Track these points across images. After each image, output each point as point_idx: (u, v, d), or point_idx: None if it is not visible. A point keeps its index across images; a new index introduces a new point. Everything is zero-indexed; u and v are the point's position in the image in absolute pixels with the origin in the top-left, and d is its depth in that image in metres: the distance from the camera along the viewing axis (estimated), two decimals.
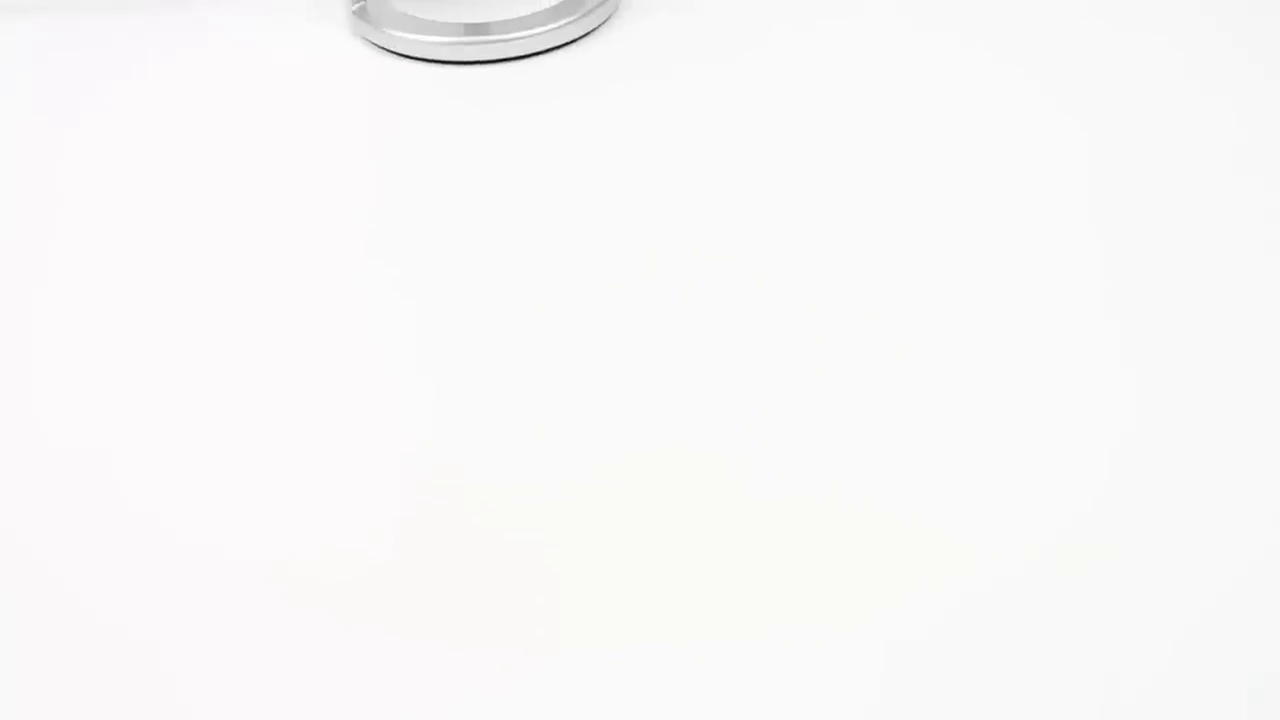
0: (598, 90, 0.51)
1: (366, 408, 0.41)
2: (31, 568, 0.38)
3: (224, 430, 0.41)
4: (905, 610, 0.36)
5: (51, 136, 0.50)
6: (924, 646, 0.36)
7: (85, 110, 0.51)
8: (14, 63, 0.53)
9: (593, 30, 0.53)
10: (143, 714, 0.35)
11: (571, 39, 0.53)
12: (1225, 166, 0.47)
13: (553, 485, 0.39)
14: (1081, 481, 0.39)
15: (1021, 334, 0.42)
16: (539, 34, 0.52)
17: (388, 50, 0.53)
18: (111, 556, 0.38)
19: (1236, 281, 0.43)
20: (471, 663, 0.36)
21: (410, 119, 0.50)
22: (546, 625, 0.36)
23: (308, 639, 0.36)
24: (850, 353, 0.42)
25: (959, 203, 0.46)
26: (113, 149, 0.49)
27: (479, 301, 0.44)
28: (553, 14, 0.53)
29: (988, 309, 0.43)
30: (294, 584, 0.37)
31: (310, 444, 0.40)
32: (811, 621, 0.36)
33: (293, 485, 0.40)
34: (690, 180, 0.47)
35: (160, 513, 0.39)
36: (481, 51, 0.52)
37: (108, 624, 0.37)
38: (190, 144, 0.49)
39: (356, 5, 0.53)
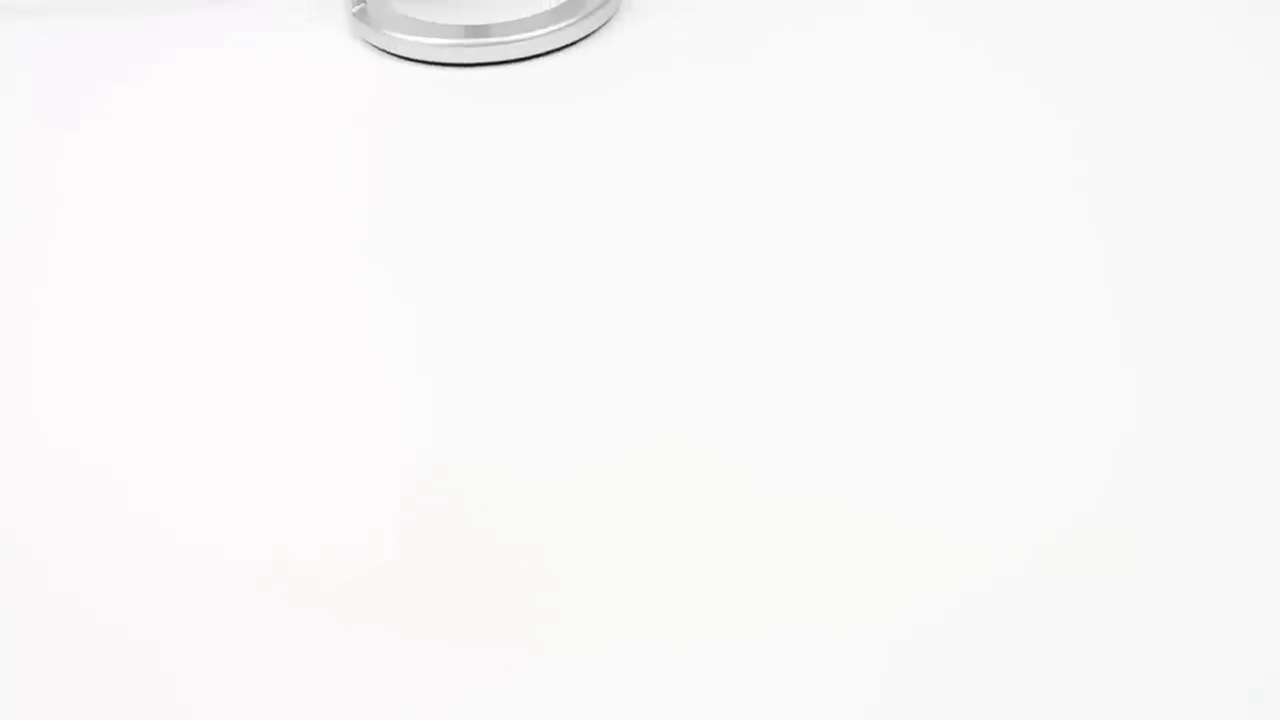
0: (598, 92, 0.51)
1: (367, 408, 0.41)
2: (31, 568, 0.38)
3: (224, 431, 0.41)
4: (905, 610, 0.36)
5: (52, 139, 0.50)
6: (924, 646, 0.36)
7: (86, 113, 0.51)
8: (15, 65, 0.53)
9: (593, 33, 0.53)
10: (143, 714, 0.35)
11: (571, 41, 0.53)
12: (1225, 166, 0.47)
13: (553, 485, 0.39)
14: (1081, 481, 0.39)
15: (1021, 334, 0.42)
16: (539, 36, 0.52)
17: (388, 52, 0.53)
18: (112, 556, 0.38)
19: (1236, 282, 0.43)
20: (471, 663, 0.36)
21: (410, 121, 0.50)
22: (546, 625, 0.36)
23: (308, 639, 0.36)
24: (850, 353, 0.42)
25: (959, 203, 0.46)
26: (114, 152, 0.49)
27: (479, 302, 0.44)
28: (553, 16, 0.53)
29: (988, 310, 0.43)
30: (294, 584, 0.37)
31: (310, 445, 0.40)
32: (811, 621, 0.36)
33: (293, 486, 0.40)
34: (690, 181, 0.47)
35: (161, 513, 0.39)
36: (482, 54, 0.52)
37: (108, 624, 0.37)
38: (191, 147, 0.49)
39: (357, 7, 0.53)
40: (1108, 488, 0.39)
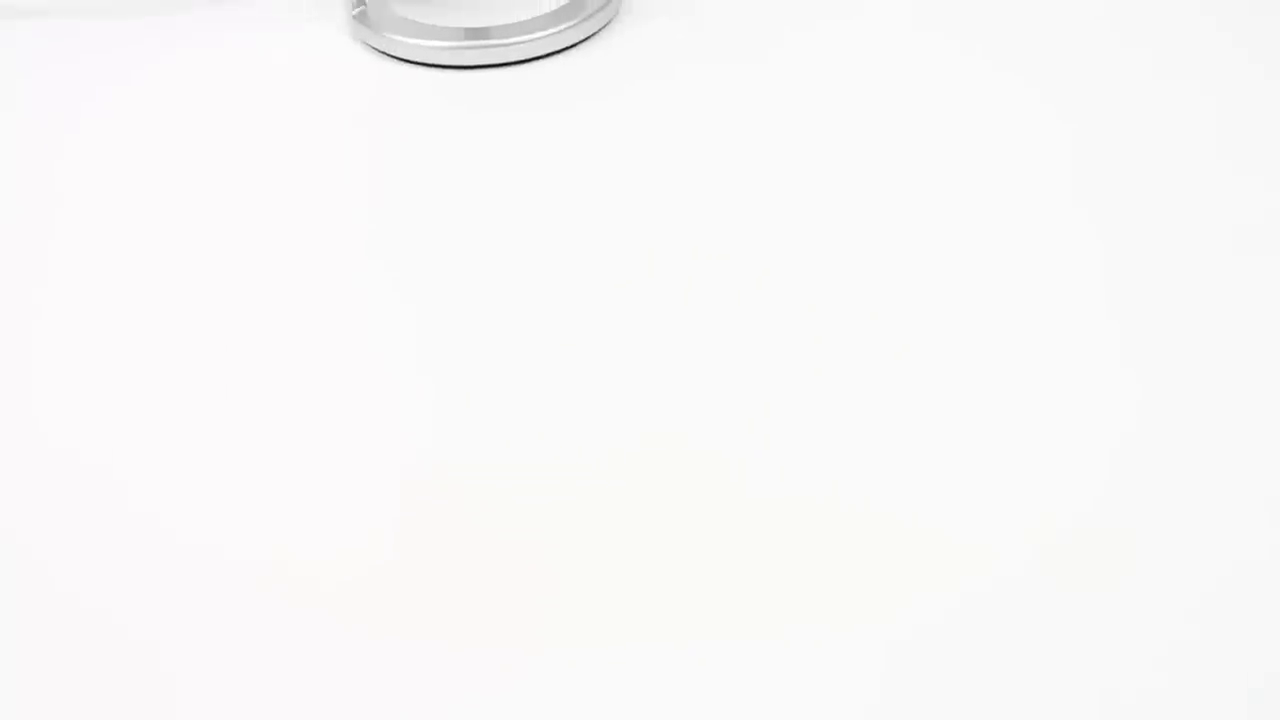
0: (598, 95, 0.51)
1: (367, 409, 0.41)
2: (31, 568, 0.38)
3: (224, 431, 0.41)
4: (905, 610, 0.36)
5: (52, 139, 0.50)
6: (924, 646, 0.36)
7: (86, 115, 0.51)
8: (15, 65, 0.53)
9: (593, 35, 0.53)
10: (143, 714, 0.35)
11: (572, 43, 0.53)
12: (1225, 166, 0.47)
13: (552, 485, 0.39)
14: (1081, 481, 0.39)
15: (1021, 335, 0.42)
16: (539, 39, 0.52)
17: (388, 55, 0.53)
18: (112, 556, 0.38)
19: (1236, 282, 0.43)
20: (471, 663, 0.36)
21: (410, 124, 0.50)
22: (546, 625, 0.36)
23: (308, 639, 0.36)
24: (850, 353, 0.42)
25: (959, 204, 0.46)
26: (113, 153, 0.49)
27: (479, 303, 0.44)
28: (553, 19, 0.53)
29: (988, 310, 0.43)
30: (294, 584, 0.37)
31: (310, 445, 0.40)
32: (811, 622, 0.36)
33: (293, 486, 0.40)
34: (690, 182, 0.47)
35: (161, 513, 0.39)
36: (482, 56, 0.52)
37: (108, 624, 0.37)
38: (191, 148, 0.49)
39: (357, 10, 0.53)
40: (1108, 488, 0.39)
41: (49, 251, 0.46)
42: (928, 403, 0.40)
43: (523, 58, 0.52)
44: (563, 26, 0.52)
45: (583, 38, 0.53)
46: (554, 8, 0.53)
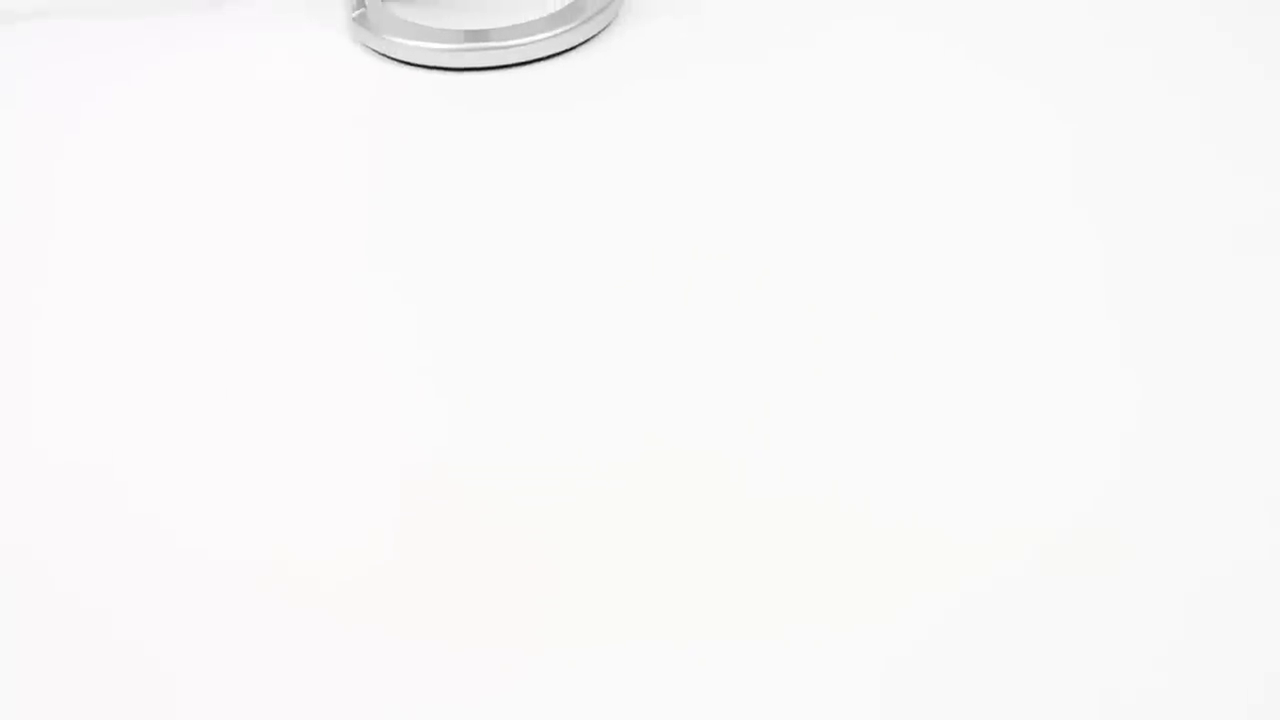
0: (597, 96, 0.51)
1: (367, 410, 0.41)
2: (31, 569, 0.38)
3: (225, 432, 0.41)
4: (905, 610, 0.36)
5: (52, 139, 0.50)
6: (924, 646, 0.36)
7: (86, 115, 0.51)
8: (15, 65, 0.53)
9: (592, 37, 0.53)
10: (143, 714, 0.35)
11: (571, 45, 0.53)
12: (1225, 166, 0.47)
13: (553, 486, 0.39)
14: (1081, 481, 0.39)
15: (1021, 335, 0.42)
16: (539, 40, 0.52)
17: (388, 57, 0.53)
18: (113, 558, 0.38)
19: (1236, 282, 0.43)
20: (471, 663, 0.36)
21: (410, 125, 0.50)
22: (547, 625, 0.36)
23: (308, 639, 0.36)
24: (850, 353, 0.42)
25: (960, 204, 0.46)
26: (113, 154, 0.49)
27: (480, 304, 0.44)
28: (553, 21, 0.53)
29: (988, 310, 0.43)
30: (294, 584, 0.37)
31: (311, 446, 0.40)
32: (811, 622, 0.36)
33: (293, 487, 0.40)
34: (690, 182, 0.47)
35: (161, 514, 0.39)
36: (481, 58, 0.52)
37: (108, 624, 0.37)
38: (191, 149, 0.49)
39: (357, 12, 0.53)
40: (1108, 488, 0.39)
41: (49, 251, 0.46)
42: (928, 403, 0.40)
43: (522, 60, 0.52)
44: (562, 29, 0.52)
45: (582, 40, 0.53)
46: (553, 10, 0.53)
